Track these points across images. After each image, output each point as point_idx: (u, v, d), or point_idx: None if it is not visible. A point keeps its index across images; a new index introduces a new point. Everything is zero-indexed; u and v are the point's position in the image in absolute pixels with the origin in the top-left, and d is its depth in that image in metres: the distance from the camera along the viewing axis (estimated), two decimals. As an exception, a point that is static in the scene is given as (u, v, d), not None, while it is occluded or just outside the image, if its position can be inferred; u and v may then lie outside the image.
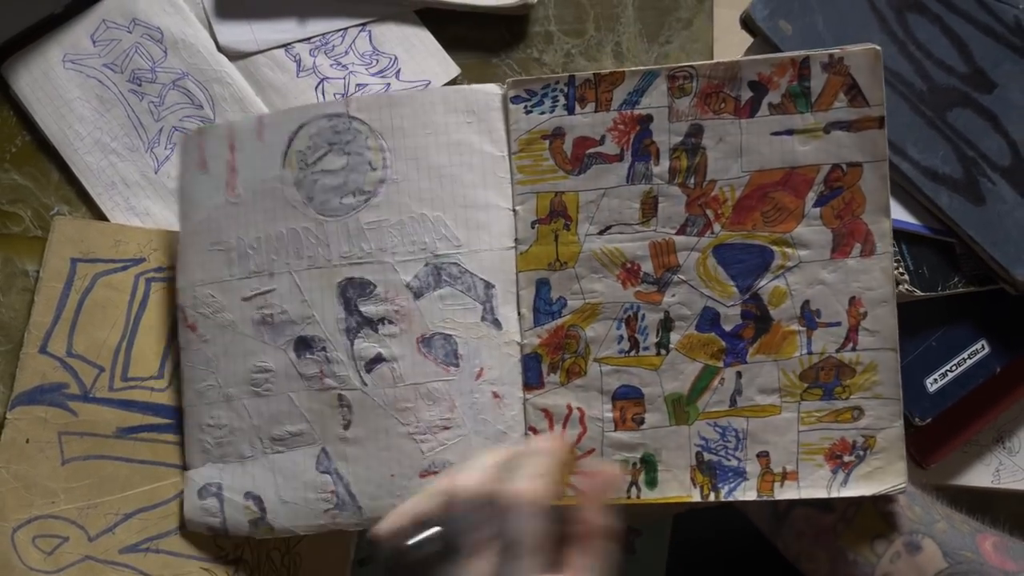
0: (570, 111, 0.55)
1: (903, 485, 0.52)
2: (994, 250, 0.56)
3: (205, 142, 0.59)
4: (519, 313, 0.56)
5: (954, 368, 0.58)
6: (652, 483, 0.55)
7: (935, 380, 0.58)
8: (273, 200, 0.58)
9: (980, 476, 0.62)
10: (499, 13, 0.66)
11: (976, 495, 0.62)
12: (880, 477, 0.52)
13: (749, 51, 0.60)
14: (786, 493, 0.53)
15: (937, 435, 0.60)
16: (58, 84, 0.64)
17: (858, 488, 0.52)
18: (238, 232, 0.58)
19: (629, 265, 0.55)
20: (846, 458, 0.53)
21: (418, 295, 0.56)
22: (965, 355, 0.58)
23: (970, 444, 0.62)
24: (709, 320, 0.54)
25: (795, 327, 0.54)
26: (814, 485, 0.53)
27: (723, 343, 0.54)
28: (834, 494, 0.53)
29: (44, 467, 0.58)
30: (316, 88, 0.64)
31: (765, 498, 0.53)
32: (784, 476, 0.53)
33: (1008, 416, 0.62)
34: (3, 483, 0.58)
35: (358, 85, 0.64)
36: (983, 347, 0.59)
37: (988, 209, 0.57)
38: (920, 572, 0.51)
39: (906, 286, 0.57)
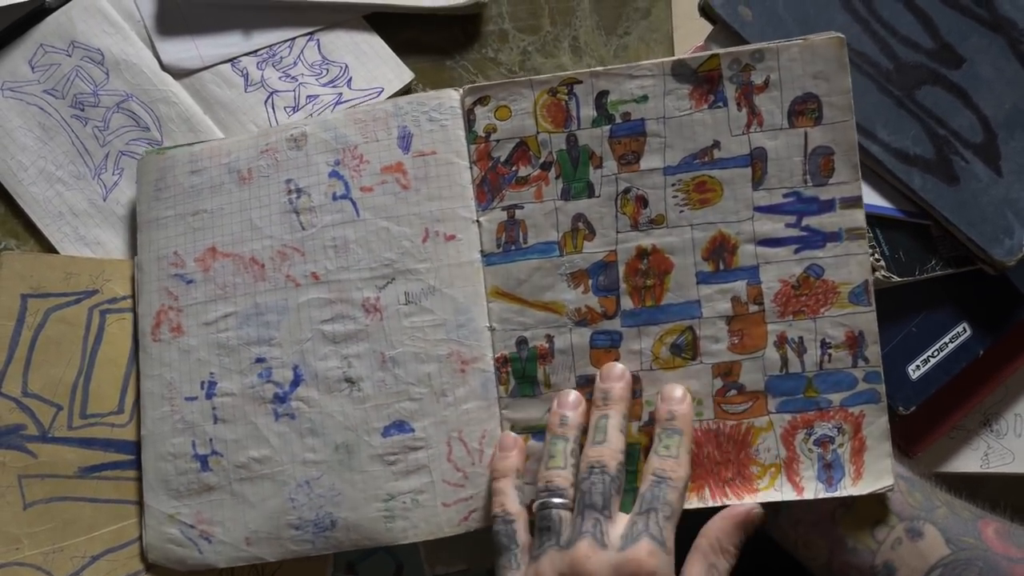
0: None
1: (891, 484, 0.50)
2: (971, 230, 0.55)
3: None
4: (490, 328, 0.54)
5: (936, 353, 0.57)
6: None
7: (917, 367, 0.57)
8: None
9: (968, 462, 0.61)
10: (451, 14, 0.64)
11: (965, 480, 0.60)
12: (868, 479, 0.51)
13: (709, 39, 0.59)
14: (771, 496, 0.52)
15: (922, 423, 0.59)
16: (-3, 114, 0.62)
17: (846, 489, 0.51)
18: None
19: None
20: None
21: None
22: (947, 339, 0.57)
23: (956, 429, 0.61)
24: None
25: None
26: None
27: None
28: (820, 495, 0.51)
29: (5, 513, 0.56)
30: (266, 102, 0.62)
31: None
32: None
33: (994, 399, 0.61)
34: (-34, 531, 0.57)
35: (308, 96, 0.62)
36: (965, 330, 0.57)
37: (962, 188, 0.55)
38: (922, 558, 0.50)
39: (882, 272, 0.55)
